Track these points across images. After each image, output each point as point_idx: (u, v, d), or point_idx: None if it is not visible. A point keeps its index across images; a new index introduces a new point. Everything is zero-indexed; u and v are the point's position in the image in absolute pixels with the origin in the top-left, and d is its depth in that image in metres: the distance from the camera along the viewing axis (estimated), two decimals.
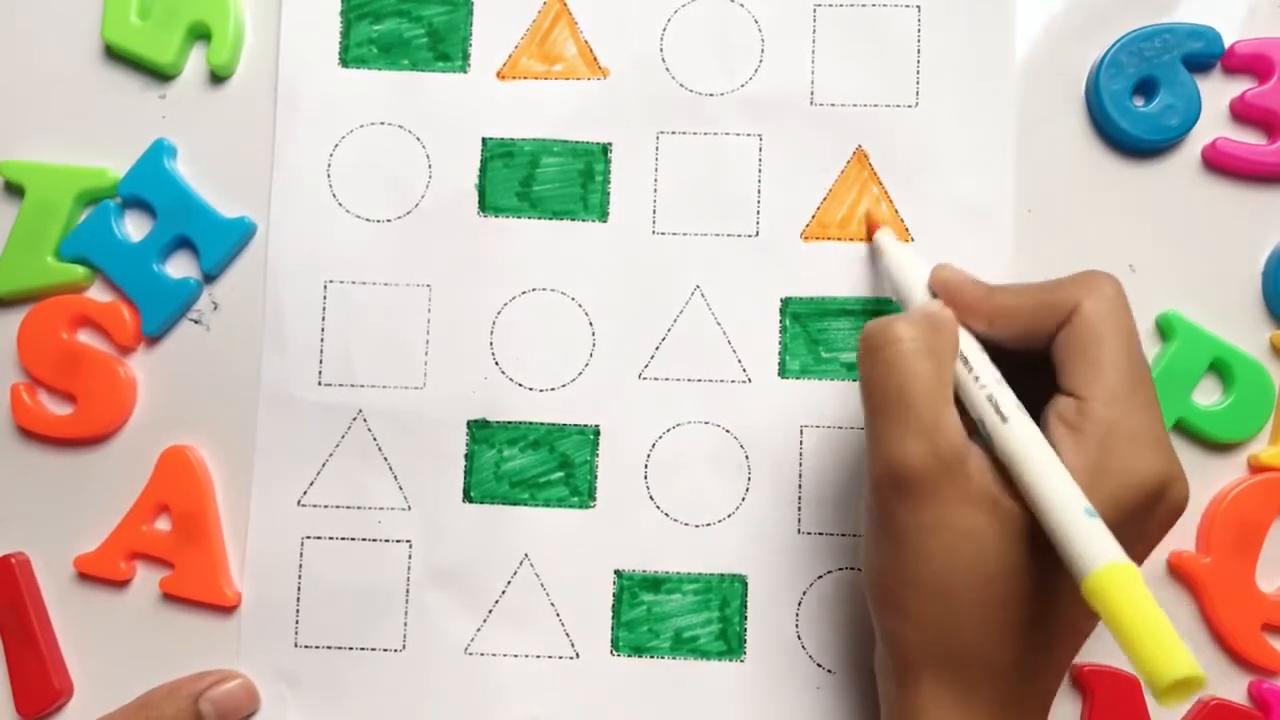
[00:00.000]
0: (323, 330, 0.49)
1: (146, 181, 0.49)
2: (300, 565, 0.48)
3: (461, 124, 0.50)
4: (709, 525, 0.48)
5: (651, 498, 0.48)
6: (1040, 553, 0.35)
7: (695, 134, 0.49)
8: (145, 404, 0.49)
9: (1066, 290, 0.39)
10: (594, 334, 0.49)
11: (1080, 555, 0.32)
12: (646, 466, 0.48)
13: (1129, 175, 0.49)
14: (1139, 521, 0.36)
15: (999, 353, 0.40)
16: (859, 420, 0.48)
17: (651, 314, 0.49)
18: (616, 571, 0.48)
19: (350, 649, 0.48)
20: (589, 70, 0.50)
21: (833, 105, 0.49)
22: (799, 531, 0.48)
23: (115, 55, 0.51)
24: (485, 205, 0.49)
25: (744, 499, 0.48)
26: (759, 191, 0.49)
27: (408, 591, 0.48)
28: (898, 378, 0.37)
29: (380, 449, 0.49)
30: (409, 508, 0.48)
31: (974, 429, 0.38)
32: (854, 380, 0.48)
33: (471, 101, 0.50)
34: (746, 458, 0.48)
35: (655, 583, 0.48)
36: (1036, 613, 0.36)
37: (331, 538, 0.48)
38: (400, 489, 0.48)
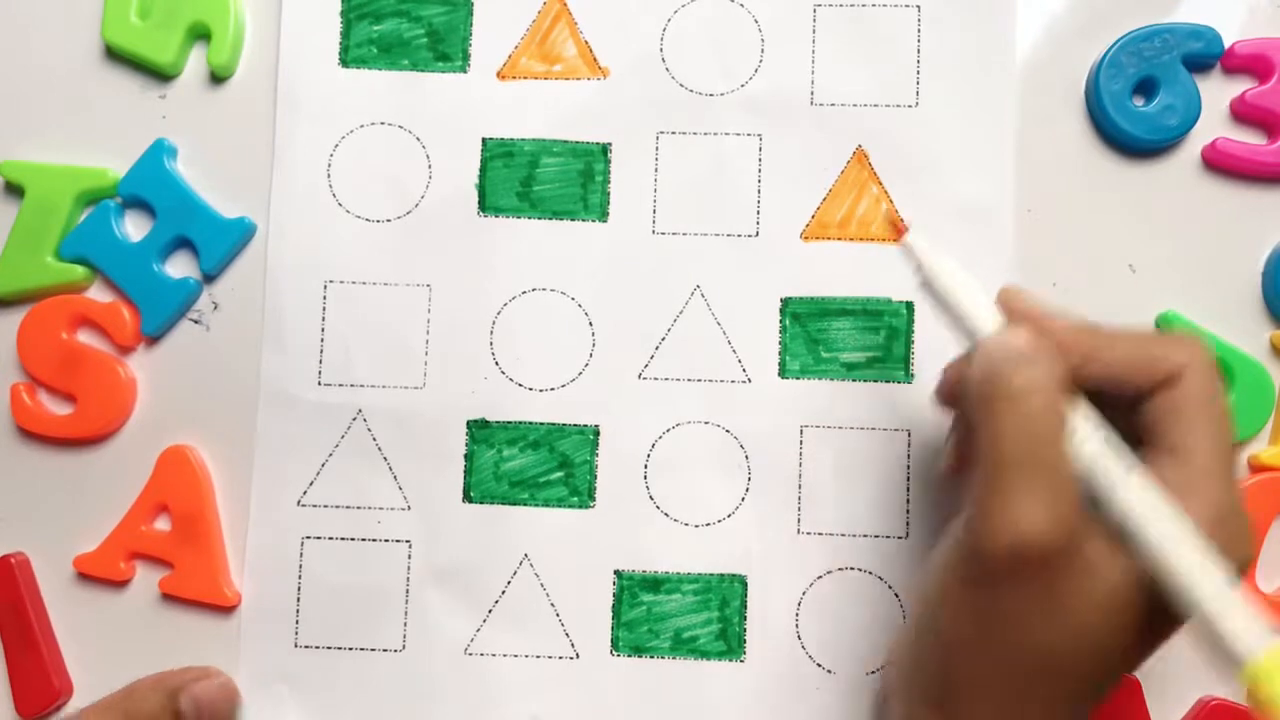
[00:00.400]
0: (323, 330, 0.49)
1: (146, 181, 0.49)
2: (300, 565, 0.48)
3: (461, 124, 0.50)
4: (709, 525, 0.48)
5: (651, 498, 0.48)
6: (1148, 627, 0.34)
7: (695, 134, 0.49)
8: (145, 404, 0.50)
9: (1167, 349, 0.36)
10: (594, 334, 0.49)
11: (1239, 640, 0.30)
12: (646, 466, 0.48)
13: (1129, 175, 0.49)
14: None
15: None
16: (859, 420, 0.48)
17: (651, 314, 0.49)
18: (616, 571, 0.48)
19: (350, 649, 0.48)
20: (589, 70, 0.50)
21: (833, 105, 0.49)
22: (799, 531, 0.48)
23: (115, 55, 0.51)
24: (485, 205, 0.49)
25: (744, 499, 0.48)
26: (759, 191, 0.49)
27: (407, 591, 0.48)
28: (1032, 433, 0.34)
29: (380, 449, 0.49)
30: (409, 508, 0.48)
31: None
32: (854, 380, 0.48)
33: (471, 101, 0.50)
34: (746, 458, 0.48)
35: (655, 583, 0.48)
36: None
37: (331, 538, 0.48)
38: (400, 489, 0.48)
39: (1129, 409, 0.36)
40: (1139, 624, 0.34)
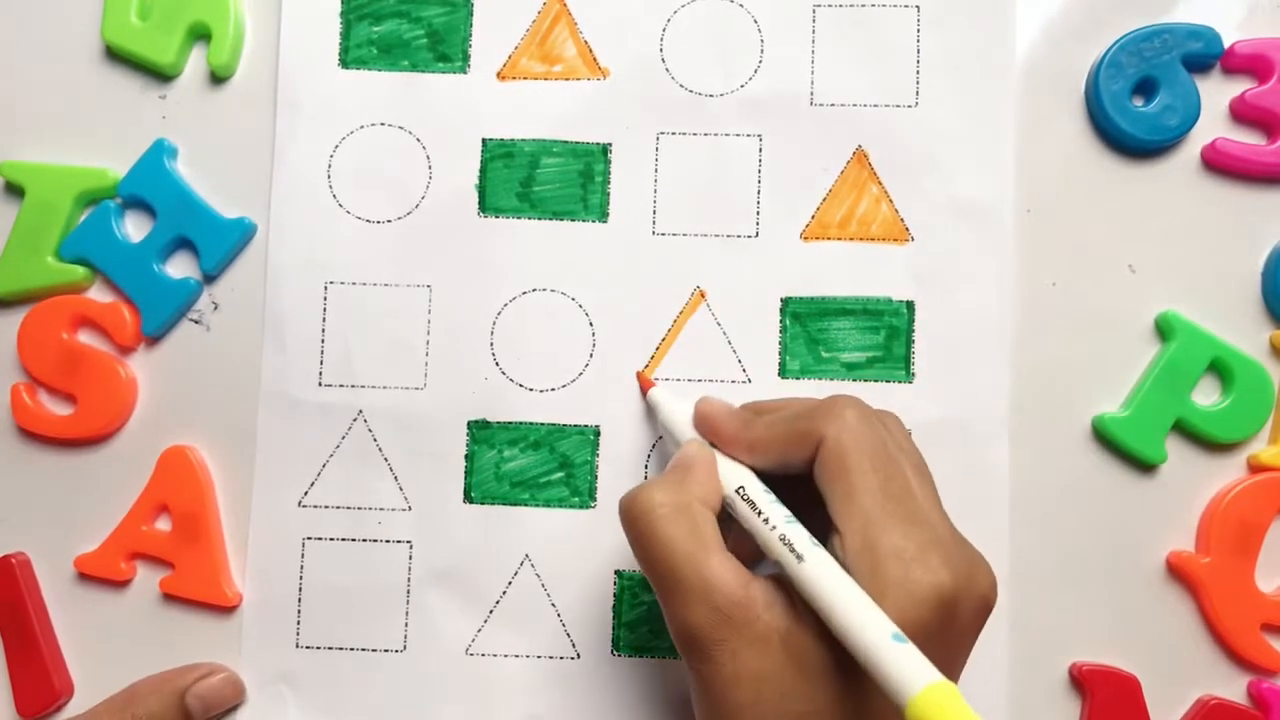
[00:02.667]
0: (323, 331, 0.49)
1: (147, 182, 0.49)
2: (301, 566, 0.48)
3: (461, 125, 0.50)
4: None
5: None
6: (846, 687, 0.35)
7: (695, 134, 0.49)
8: (145, 404, 0.50)
9: (810, 422, 0.38)
10: (594, 334, 0.49)
11: (897, 683, 0.31)
12: (647, 467, 0.48)
13: (1129, 175, 0.49)
14: (940, 634, 0.35)
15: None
16: None
17: (652, 314, 0.49)
18: (617, 572, 0.48)
19: (351, 649, 0.48)
20: (589, 71, 0.50)
21: (832, 105, 0.49)
22: None
23: (115, 55, 0.51)
24: (485, 206, 0.49)
25: None
26: (759, 192, 0.49)
27: (408, 592, 0.48)
28: (658, 548, 0.37)
29: (381, 450, 0.49)
30: (409, 508, 0.48)
31: (760, 556, 0.38)
32: (854, 380, 0.48)
33: (471, 102, 0.50)
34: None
35: None
36: None
37: (332, 538, 0.48)
38: (401, 489, 0.48)
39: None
40: (839, 685, 0.35)
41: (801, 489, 0.38)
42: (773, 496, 0.39)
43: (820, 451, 0.38)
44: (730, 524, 0.39)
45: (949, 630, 0.35)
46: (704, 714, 0.37)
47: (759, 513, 0.38)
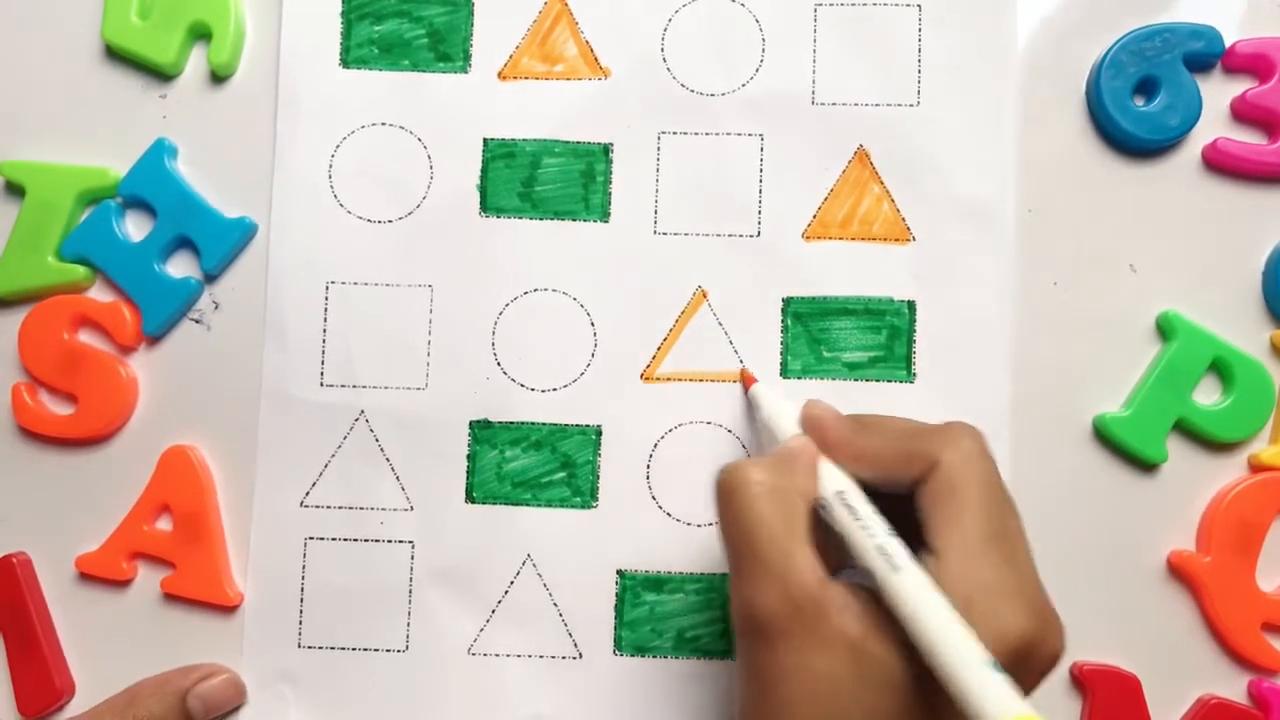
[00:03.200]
0: (324, 331, 0.49)
1: (147, 181, 0.49)
2: (303, 566, 0.48)
3: (463, 125, 0.50)
4: (711, 525, 0.48)
5: (654, 498, 0.48)
6: (910, 702, 0.34)
7: (696, 134, 0.49)
8: (146, 404, 0.49)
9: (926, 443, 0.38)
10: (595, 334, 0.49)
11: (986, 708, 0.31)
12: (649, 466, 0.48)
13: (1129, 175, 0.49)
14: (1010, 678, 0.34)
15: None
16: None
17: (653, 314, 0.49)
18: (619, 571, 0.48)
19: (353, 649, 0.48)
20: (590, 70, 0.50)
21: (834, 105, 0.49)
22: None
23: (115, 55, 0.50)
24: (487, 206, 0.49)
25: None
26: (760, 191, 0.49)
27: (410, 592, 0.48)
28: (747, 523, 0.37)
29: (382, 450, 0.49)
30: (411, 508, 0.48)
31: (838, 566, 0.38)
32: (856, 380, 0.48)
33: (472, 102, 0.50)
34: (748, 458, 0.48)
35: (658, 583, 0.48)
36: None
37: (334, 538, 0.48)
38: (402, 490, 0.48)
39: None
40: (905, 700, 0.35)
41: (888, 510, 0.38)
42: (874, 507, 0.38)
43: (934, 474, 0.37)
44: (815, 527, 0.38)
45: (1015, 677, 0.34)
46: (749, 701, 0.37)
47: (858, 519, 0.37)
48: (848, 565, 0.38)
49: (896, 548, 0.36)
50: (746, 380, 0.48)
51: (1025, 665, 0.35)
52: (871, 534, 0.37)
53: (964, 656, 0.33)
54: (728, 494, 0.38)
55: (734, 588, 0.37)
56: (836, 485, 0.39)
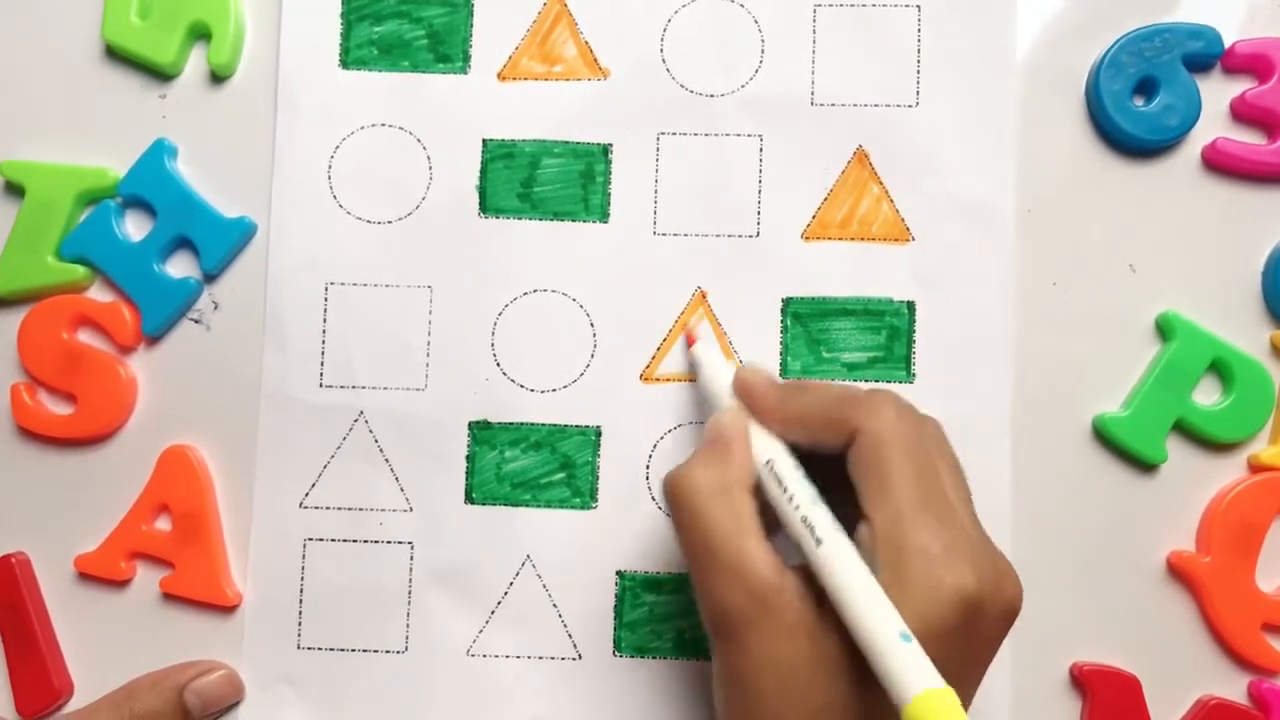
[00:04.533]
0: (324, 332, 0.49)
1: (147, 181, 0.49)
2: (302, 567, 0.48)
3: (462, 125, 0.50)
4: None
5: (653, 498, 0.48)
6: (867, 679, 0.34)
7: (696, 134, 0.49)
8: (145, 404, 0.49)
9: (849, 410, 0.39)
10: (595, 335, 0.49)
11: (896, 683, 0.32)
12: (648, 467, 0.48)
13: (1129, 175, 0.49)
14: (960, 638, 0.35)
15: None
16: None
17: (652, 315, 0.49)
18: (619, 572, 0.48)
19: (352, 650, 0.48)
20: (589, 71, 0.50)
21: (833, 105, 0.49)
22: None
23: (115, 55, 0.50)
24: (486, 206, 0.49)
25: None
26: (759, 192, 0.49)
27: (410, 593, 0.48)
28: (698, 528, 0.38)
29: (382, 450, 0.49)
30: (411, 509, 0.48)
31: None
32: (855, 380, 0.48)
33: (472, 103, 0.50)
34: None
35: (657, 583, 0.48)
36: None
37: (333, 539, 0.48)
38: (402, 490, 0.48)
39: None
40: (853, 678, 0.35)
41: (836, 468, 0.38)
42: (801, 473, 0.39)
43: (856, 442, 0.38)
44: (765, 506, 0.39)
45: (971, 635, 0.35)
46: (725, 695, 0.37)
47: (784, 490, 0.38)
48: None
49: (820, 517, 0.37)
50: (689, 339, 0.48)
51: (977, 620, 0.35)
52: (796, 505, 0.37)
53: (877, 628, 0.33)
54: (675, 502, 0.39)
55: (697, 590, 0.38)
56: (767, 454, 0.40)
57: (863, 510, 0.37)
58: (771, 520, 0.38)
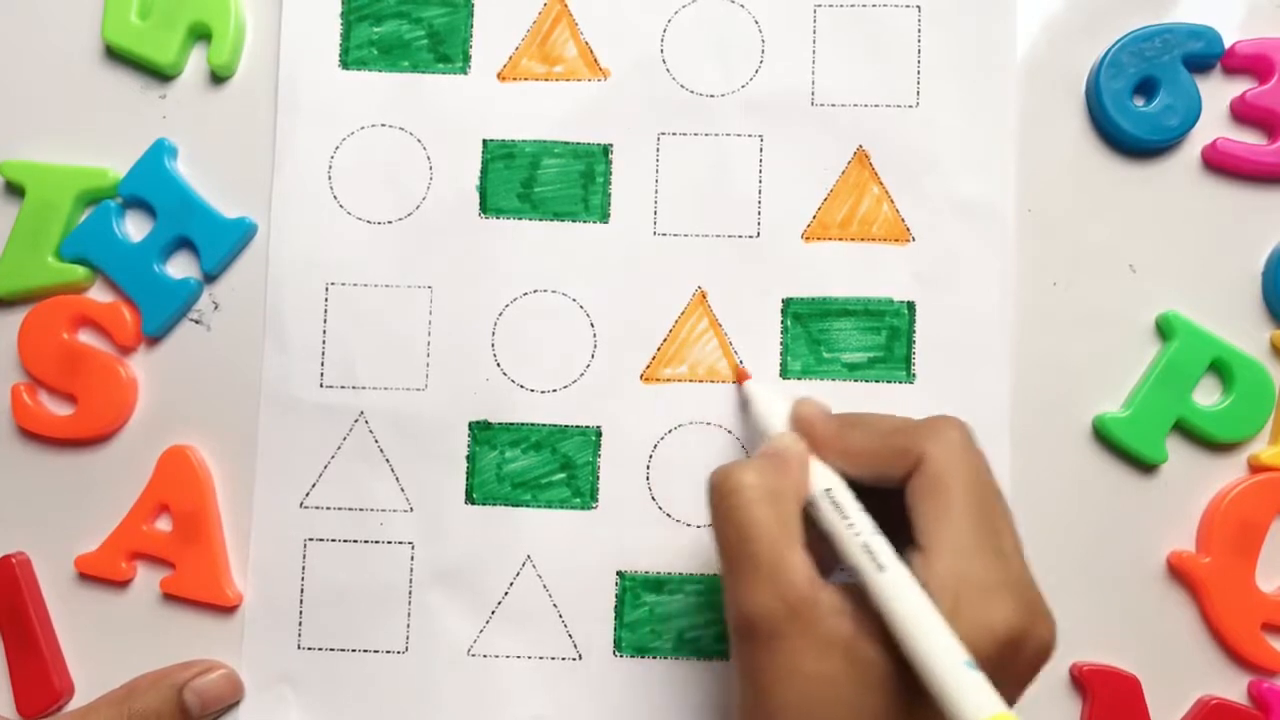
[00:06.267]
0: (324, 332, 0.49)
1: (147, 181, 0.49)
2: (303, 567, 0.48)
3: (462, 125, 0.50)
4: (711, 526, 0.48)
5: (654, 498, 0.48)
6: (900, 701, 0.35)
7: (696, 135, 0.49)
8: (146, 404, 0.49)
9: (912, 438, 0.38)
10: (595, 335, 0.49)
11: (963, 708, 0.32)
12: (648, 467, 0.48)
13: (1129, 175, 0.49)
14: (999, 672, 0.34)
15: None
16: None
17: (653, 315, 0.49)
18: (619, 572, 0.48)
19: (353, 651, 0.48)
20: (590, 71, 0.50)
21: (833, 105, 0.49)
22: None
23: (115, 55, 0.50)
24: (486, 207, 0.49)
25: None
26: (760, 192, 0.49)
27: (410, 593, 0.48)
28: (740, 527, 0.37)
29: (382, 451, 0.49)
30: (411, 509, 0.48)
31: (832, 566, 0.38)
32: (855, 380, 0.48)
33: (472, 103, 0.50)
34: (742, 459, 0.48)
35: (658, 583, 0.48)
36: None
37: (334, 539, 0.48)
38: (402, 491, 0.48)
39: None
40: (893, 699, 0.35)
41: (880, 505, 0.38)
42: (861, 505, 0.38)
43: (920, 468, 0.37)
44: (808, 527, 0.38)
45: (1007, 670, 0.35)
46: (747, 703, 0.37)
47: (845, 518, 0.38)
48: (840, 565, 0.38)
49: (881, 546, 0.36)
50: (740, 376, 0.48)
51: (1015, 658, 0.35)
52: (857, 532, 0.37)
53: (943, 656, 0.33)
54: (721, 497, 0.38)
55: (728, 591, 0.37)
56: (825, 483, 0.39)
57: (918, 537, 0.37)
58: (810, 546, 0.38)
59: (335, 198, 0.49)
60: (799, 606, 0.35)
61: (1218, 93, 0.49)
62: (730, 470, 0.39)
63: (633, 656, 0.48)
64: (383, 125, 0.50)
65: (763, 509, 0.37)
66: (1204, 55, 0.49)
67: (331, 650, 0.48)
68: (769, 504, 0.37)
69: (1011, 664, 0.35)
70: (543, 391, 0.49)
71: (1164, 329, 0.48)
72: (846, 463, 0.40)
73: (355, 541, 0.48)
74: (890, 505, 0.38)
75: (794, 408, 0.42)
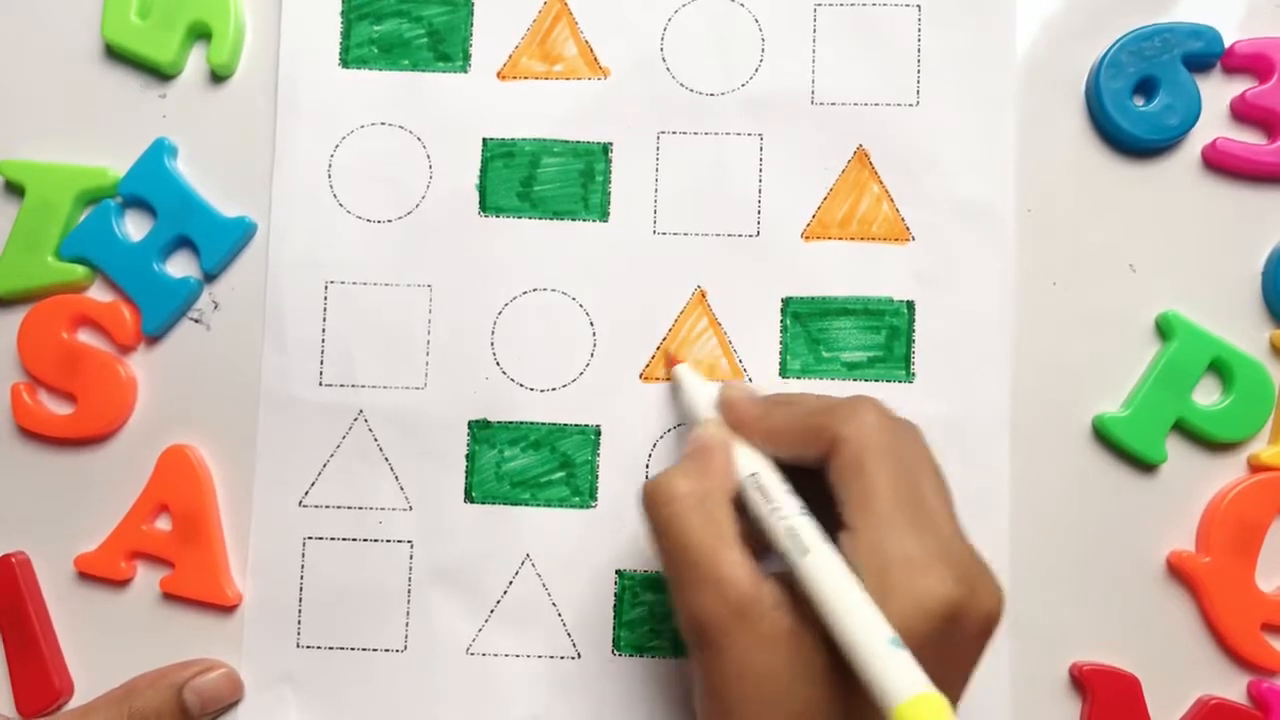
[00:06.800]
0: (324, 330, 0.49)
1: (147, 181, 0.49)
2: (302, 566, 0.48)
3: (462, 124, 0.50)
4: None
5: None
6: (842, 690, 0.34)
7: (696, 134, 0.49)
8: (145, 404, 0.49)
9: (829, 419, 0.38)
10: (594, 334, 0.49)
11: (886, 688, 0.31)
12: (648, 466, 0.48)
13: (1129, 175, 0.49)
14: (940, 646, 0.34)
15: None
16: None
17: (652, 314, 0.49)
18: (618, 571, 0.48)
19: (352, 649, 0.48)
20: (589, 70, 0.50)
21: (833, 104, 0.49)
22: None
23: (115, 55, 0.50)
24: (486, 205, 0.49)
25: None
26: (760, 191, 0.49)
27: (409, 592, 0.48)
28: (675, 537, 0.38)
29: (381, 449, 0.49)
30: (410, 508, 0.48)
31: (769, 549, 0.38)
32: (855, 380, 0.48)
33: (472, 102, 0.50)
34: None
35: (657, 582, 0.48)
36: None
37: (333, 538, 0.48)
38: (401, 489, 0.48)
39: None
40: (836, 688, 0.35)
41: (820, 482, 0.38)
42: (788, 487, 0.39)
43: (837, 450, 0.37)
44: (744, 517, 0.39)
45: (950, 643, 0.35)
46: (705, 704, 0.37)
47: (769, 502, 0.38)
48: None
49: (806, 527, 0.36)
50: (670, 361, 0.48)
51: (956, 631, 0.35)
52: (783, 516, 0.37)
53: (864, 634, 0.33)
54: (653, 510, 0.39)
55: (674, 599, 0.38)
56: (750, 468, 0.39)
57: (843, 519, 0.37)
58: (747, 534, 0.38)
59: (335, 197, 0.49)
60: (741, 605, 0.36)
61: (1217, 92, 0.49)
62: (659, 482, 0.39)
63: (632, 655, 0.48)
64: (382, 124, 0.50)
65: (695, 517, 0.38)
66: (1204, 55, 0.49)
67: (331, 649, 0.48)
68: (699, 510, 0.38)
69: (953, 638, 0.35)
70: (542, 390, 0.49)
71: (1164, 329, 0.48)
72: (769, 443, 0.40)
73: (354, 540, 0.48)
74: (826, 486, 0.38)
75: (720, 391, 0.43)
